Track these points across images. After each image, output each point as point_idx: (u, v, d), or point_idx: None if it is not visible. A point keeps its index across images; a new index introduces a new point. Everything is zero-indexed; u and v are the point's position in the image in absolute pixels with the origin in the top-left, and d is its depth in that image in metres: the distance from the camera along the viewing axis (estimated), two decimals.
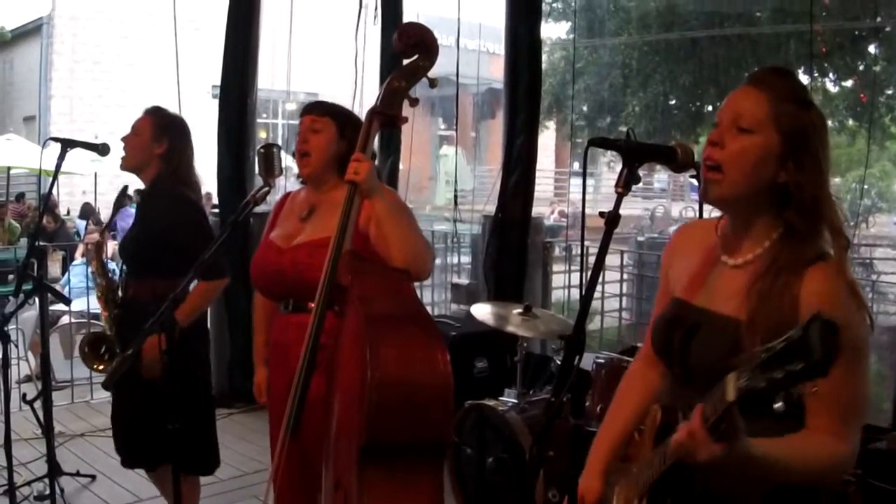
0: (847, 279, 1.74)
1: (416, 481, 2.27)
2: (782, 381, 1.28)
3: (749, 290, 1.77)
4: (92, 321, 7.00)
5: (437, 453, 2.34)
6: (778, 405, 1.31)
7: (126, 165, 3.58)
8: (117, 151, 3.63)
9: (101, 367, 3.61)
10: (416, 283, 2.78)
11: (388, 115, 2.64)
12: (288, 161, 3.19)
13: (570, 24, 20.49)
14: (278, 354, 3.05)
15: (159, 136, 3.55)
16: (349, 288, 2.46)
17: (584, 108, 21.73)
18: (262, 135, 16.83)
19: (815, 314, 1.26)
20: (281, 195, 3.37)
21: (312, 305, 2.88)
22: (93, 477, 5.01)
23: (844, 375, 1.67)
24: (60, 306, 6.96)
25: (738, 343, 1.71)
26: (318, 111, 3.04)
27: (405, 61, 2.68)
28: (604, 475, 2.06)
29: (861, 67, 17.96)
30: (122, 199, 3.65)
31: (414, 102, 2.67)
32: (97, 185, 14.88)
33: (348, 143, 2.99)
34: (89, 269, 4.35)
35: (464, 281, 8.03)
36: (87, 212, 16.17)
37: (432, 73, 2.72)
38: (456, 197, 7.31)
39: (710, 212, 2.04)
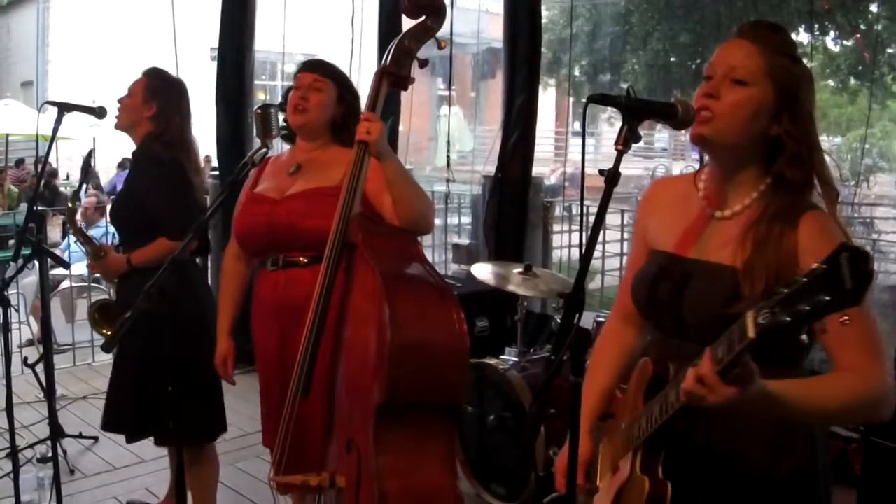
0: (841, 228, 1.75)
1: (430, 441, 2.30)
2: (809, 313, 1.24)
3: (743, 238, 1.78)
4: (92, 285, 7.02)
5: (451, 414, 2.38)
6: (803, 337, 1.29)
7: (119, 125, 3.59)
8: (114, 114, 3.60)
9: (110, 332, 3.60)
10: None
11: (397, 76, 2.60)
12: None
13: None
14: (267, 314, 3.00)
15: (149, 99, 3.53)
16: (359, 246, 2.44)
17: (584, 65, 21.60)
18: (261, 96, 16.73)
19: (842, 244, 1.24)
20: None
21: (304, 260, 2.87)
22: (95, 438, 5.04)
23: (861, 314, 1.66)
24: (60, 270, 6.98)
25: (736, 290, 1.70)
26: (321, 71, 3.01)
27: (413, 22, 2.63)
28: (590, 435, 2.06)
29: (863, 26, 17.85)
30: (89, 164, 3.66)
31: (423, 64, 2.63)
32: (95, 149, 14.78)
33: (346, 109, 3.00)
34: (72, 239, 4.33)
35: (464, 241, 8.02)
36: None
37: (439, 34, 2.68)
38: (449, 158, 7.25)
39: None
